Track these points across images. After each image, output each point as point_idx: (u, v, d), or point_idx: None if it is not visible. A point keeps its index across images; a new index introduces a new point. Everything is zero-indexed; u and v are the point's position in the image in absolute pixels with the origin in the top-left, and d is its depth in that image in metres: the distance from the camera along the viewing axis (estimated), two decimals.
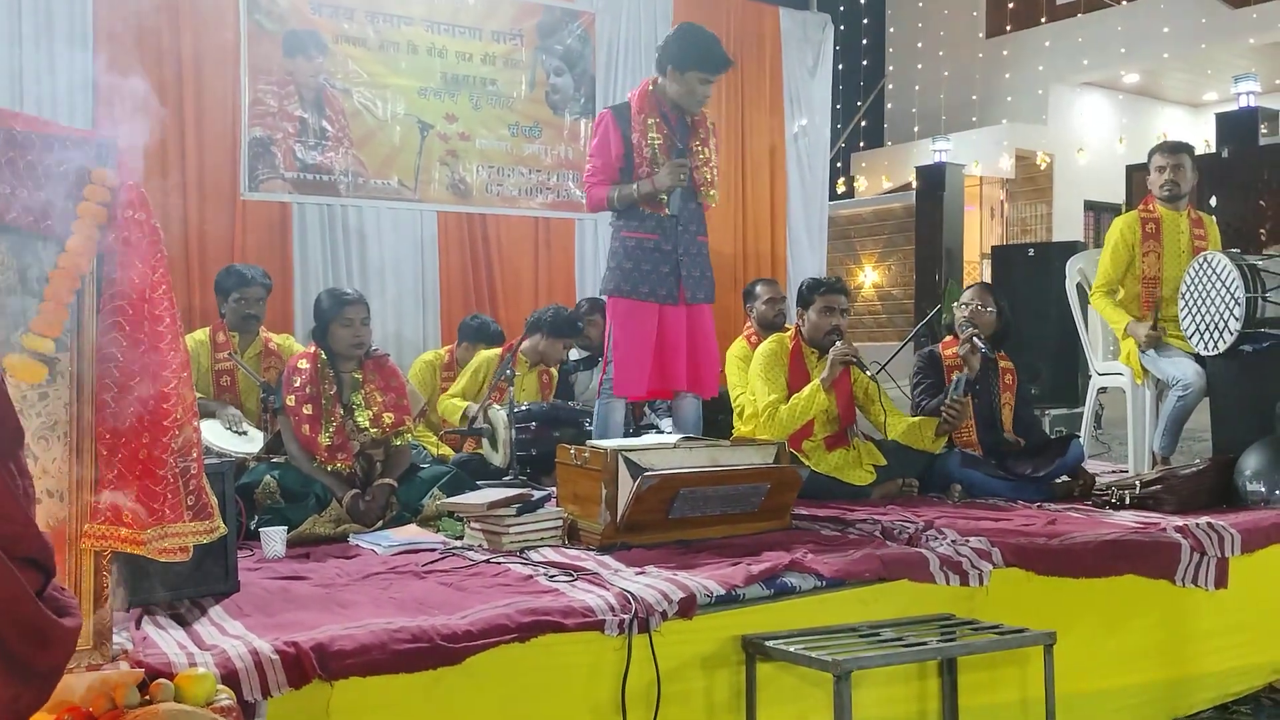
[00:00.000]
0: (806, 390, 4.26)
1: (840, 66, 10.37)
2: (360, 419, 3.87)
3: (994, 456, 4.48)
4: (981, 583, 3.14)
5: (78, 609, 1.51)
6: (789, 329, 4.68)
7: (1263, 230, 9.66)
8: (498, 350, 5.26)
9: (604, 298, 4.32)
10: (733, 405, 5.24)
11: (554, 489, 3.77)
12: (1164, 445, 4.73)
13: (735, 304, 7.48)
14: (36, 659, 1.36)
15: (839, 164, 16.14)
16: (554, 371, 5.50)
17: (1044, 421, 6.90)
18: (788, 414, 4.22)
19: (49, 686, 1.40)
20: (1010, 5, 15.68)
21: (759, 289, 5.74)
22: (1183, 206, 4.96)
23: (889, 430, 4.41)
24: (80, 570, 2.07)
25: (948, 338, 4.79)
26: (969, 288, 4.86)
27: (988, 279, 12.24)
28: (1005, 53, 15.93)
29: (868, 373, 4.43)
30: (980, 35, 16.42)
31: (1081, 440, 4.81)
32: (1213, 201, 9.70)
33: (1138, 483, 4.08)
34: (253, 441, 4.42)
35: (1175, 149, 4.99)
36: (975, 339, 4.49)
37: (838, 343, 4.34)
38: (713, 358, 4.32)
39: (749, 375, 4.58)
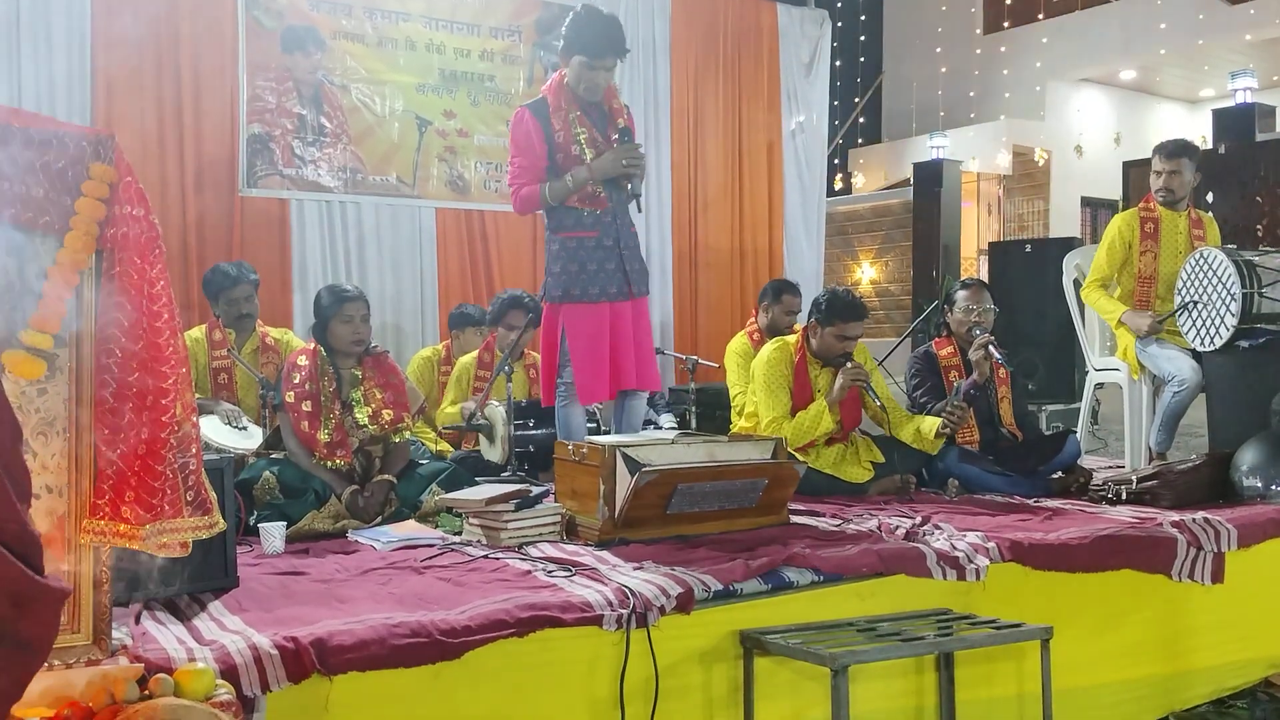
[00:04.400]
0: (813, 410, 4.22)
1: (837, 63, 10.37)
2: (359, 415, 3.88)
3: (991, 452, 4.49)
4: (978, 578, 3.14)
5: (65, 583, 1.50)
6: (796, 329, 4.62)
7: (1259, 226, 9.69)
8: (474, 354, 5.29)
9: (543, 304, 4.13)
10: (731, 401, 5.24)
11: (552, 485, 3.78)
12: (1160, 441, 4.74)
13: (732, 301, 7.50)
14: (20, 627, 1.34)
15: (836, 160, 16.14)
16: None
17: (1041, 417, 6.91)
18: (792, 433, 4.16)
19: (34, 659, 1.38)
20: (1007, 1, 15.69)
21: (785, 298, 5.43)
22: (1182, 207, 4.95)
23: (898, 434, 4.38)
24: (79, 566, 2.07)
25: (939, 338, 4.73)
26: (962, 289, 4.70)
27: (985, 275, 12.24)
28: (1003, 49, 15.93)
29: (878, 402, 4.32)
30: (978, 31, 16.41)
31: (1078, 436, 4.82)
32: (1209, 198, 9.71)
33: (1134, 478, 4.09)
34: (252, 437, 4.42)
35: (1174, 152, 4.89)
36: (991, 346, 4.40)
37: (848, 364, 4.25)
38: (652, 351, 4.19)
39: (752, 380, 4.55)
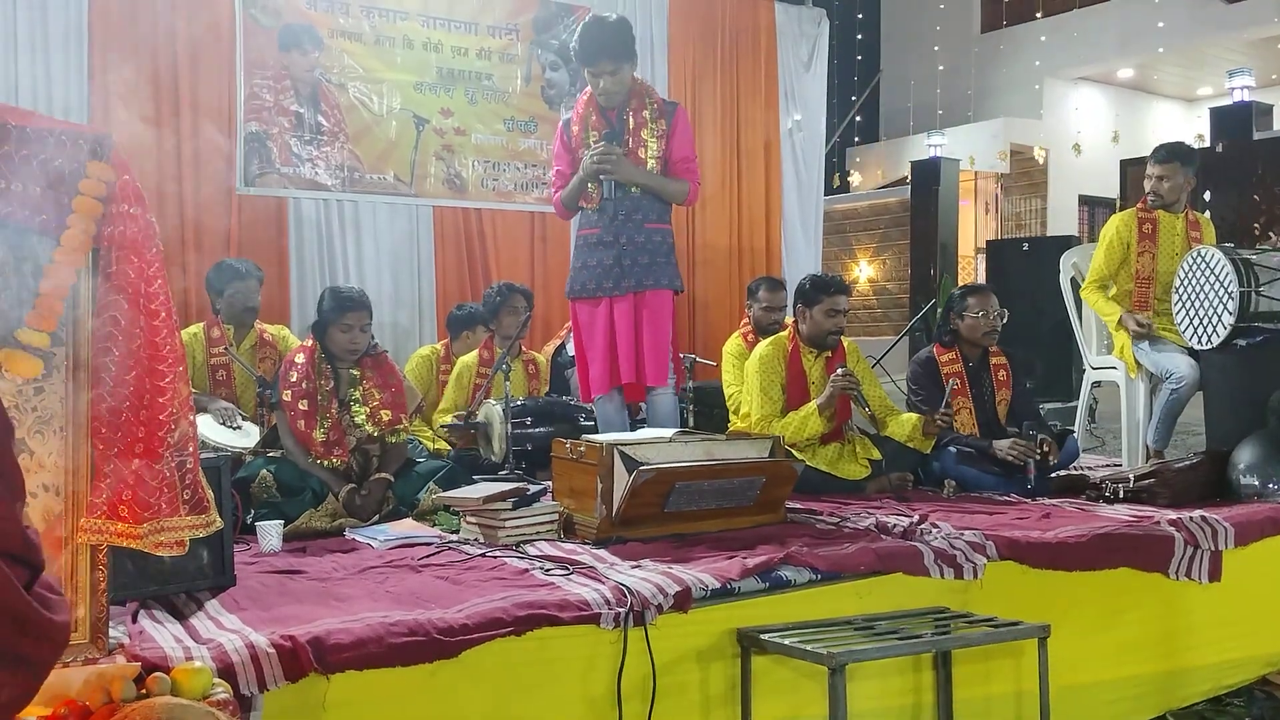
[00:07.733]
0: (803, 412, 4.24)
1: (835, 61, 10.36)
2: (357, 415, 3.87)
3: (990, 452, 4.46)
4: (976, 576, 3.14)
5: (68, 607, 1.50)
6: (787, 325, 4.65)
7: (1256, 224, 9.70)
8: (475, 352, 5.28)
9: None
10: (727, 401, 5.25)
11: (550, 483, 3.78)
12: (1158, 439, 4.74)
13: (730, 299, 7.50)
14: (21, 646, 1.34)
15: (834, 159, 16.15)
16: (540, 362, 5.51)
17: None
18: (780, 433, 4.15)
19: (36, 677, 1.38)
20: (1005, 0, 15.71)
21: (761, 293, 5.61)
22: (1179, 209, 4.95)
23: (891, 433, 4.38)
24: (76, 564, 2.07)
25: (939, 344, 4.62)
26: (969, 294, 4.59)
27: (982, 274, 12.25)
28: (1000, 47, 15.96)
29: (868, 410, 4.36)
30: (975, 30, 16.43)
31: (1075, 434, 4.82)
32: (1206, 196, 9.72)
33: (1131, 476, 4.09)
34: (249, 436, 4.42)
35: (1164, 158, 4.89)
36: (1031, 462, 4.24)
37: (839, 369, 4.28)
38: (660, 344, 4.17)
39: (745, 377, 4.55)
